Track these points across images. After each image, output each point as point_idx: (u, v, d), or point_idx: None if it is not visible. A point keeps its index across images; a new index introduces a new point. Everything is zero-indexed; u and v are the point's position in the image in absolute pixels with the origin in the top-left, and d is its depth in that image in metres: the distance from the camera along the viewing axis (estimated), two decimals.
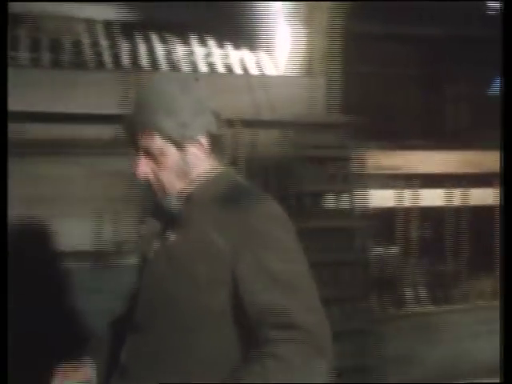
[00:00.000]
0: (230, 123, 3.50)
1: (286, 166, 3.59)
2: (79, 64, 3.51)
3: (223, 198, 1.66)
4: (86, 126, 3.24)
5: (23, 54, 3.45)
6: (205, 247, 1.62)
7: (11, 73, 3.21)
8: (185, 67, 3.74)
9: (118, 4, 3.83)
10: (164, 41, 3.85)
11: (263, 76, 3.82)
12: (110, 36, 3.76)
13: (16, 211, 3.32)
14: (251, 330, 1.56)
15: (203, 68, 3.78)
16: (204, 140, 1.67)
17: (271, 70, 3.91)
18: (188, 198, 1.67)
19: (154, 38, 3.85)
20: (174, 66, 3.71)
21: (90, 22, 3.79)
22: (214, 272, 1.60)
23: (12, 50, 3.42)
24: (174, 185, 1.68)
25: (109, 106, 3.27)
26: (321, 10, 3.77)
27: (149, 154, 1.65)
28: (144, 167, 1.66)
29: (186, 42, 3.89)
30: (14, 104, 3.14)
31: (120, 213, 3.36)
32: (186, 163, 1.67)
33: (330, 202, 3.74)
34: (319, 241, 3.59)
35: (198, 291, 1.61)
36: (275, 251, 1.59)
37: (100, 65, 3.51)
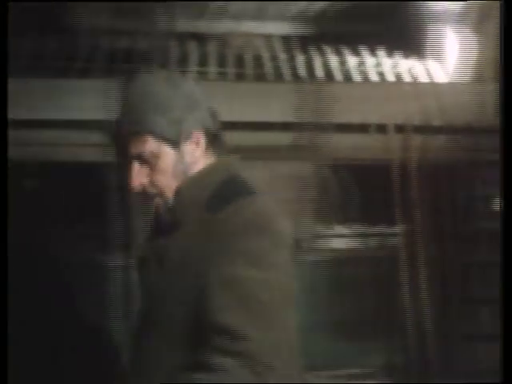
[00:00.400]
0: (401, 128, 3.65)
1: (456, 170, 3.66)
2: (260, 77, 3.80)
3: (210, 194, 1.54)
4: (267, 133, 3.53)
5: (212, 69, 3.81)
6: (187, 251, 1.51)
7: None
8: (356, 77, 3.93)
9: (294, 20, 4.09)
10: (337, 52, 4.05)
11: (432, 83, 3.91)
12: (288, 50, 4.02)
13: None
14: (201, 334, 1.44)
15: (373, 77, 3.94)
16: (200, 136, 1.56)
17: (440, 78, 3.98)
18: (177, 195, 1.55)
19: (328, 50, 4.07)
20: (346, 76, 3.91)
21: (269, 38, 4.08)
22: (189, 279, 1.48)
23: (201, 66, 3.79)
24: (172, 187, 1.56)
25: (287, 114, 3.55)
26: (491, 13, 3.79)
27: (142, 160, 1.53)
28: (139, 176, 1.54)
29: (357, 52, 4.08)
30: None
31: (297, 213, 3.60)
32: (183, 163, 1.55)
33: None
34: (488, 243, 3.64)
35: (172, 299, 1.51)
36: (245, 261, 1.43)
37: (279, 77, 3.77)
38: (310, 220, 3.55)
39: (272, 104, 3.54)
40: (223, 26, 4.02)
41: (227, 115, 3.46)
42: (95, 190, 3.35)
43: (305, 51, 4.01)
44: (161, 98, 1.54)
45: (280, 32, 4.10)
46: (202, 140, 1.57)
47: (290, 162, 3.51)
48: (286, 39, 4.07)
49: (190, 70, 3.74)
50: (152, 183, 1.55)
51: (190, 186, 1.55)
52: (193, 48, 3.91)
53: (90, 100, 3.31)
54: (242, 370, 1.38)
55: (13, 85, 3.38)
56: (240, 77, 3.75)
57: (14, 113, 3.35)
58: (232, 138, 3.48)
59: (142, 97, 1.55)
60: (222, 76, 3.76)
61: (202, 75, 3.70)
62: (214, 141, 1.62)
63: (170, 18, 3.67)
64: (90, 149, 3.34)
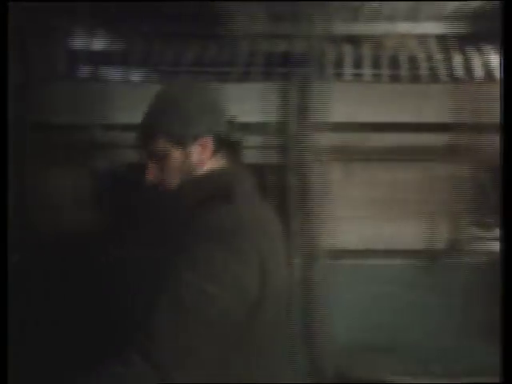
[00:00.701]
0: None
1: None
2: (416, 77, 3.77)
3: (201, 198, 1.61)
4: (423, 135, 3.51)
5: (366, 71, 3.83)
6: (169, 248, 1.56)
7: (338, 88, 3.64)
8: None
9: (449, 19, 4.03)
10: (497, 51, 3.95)
11: None
12: (444, 50, 3.96)
13: (343, 211, 3.71)
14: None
15: None
16: (209, 140, 1.64)
17: None
18: (175, 194, 1.65)
19: (487, 48, 3.97)
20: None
21: (424, 38, 4.04)
22: (159, 275, 1.54)
23: (356, 68, 3.82)
24: (176, 186, 1.66)
25: (444, 115, 3.51)
26: None
27: (155, 157, 1.65)
28: (152, 172, 1.66)
29: None
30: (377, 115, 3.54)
31: (451, 214, 3.55)
32: (189, 164, 1.64)
33: None
34: None
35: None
36: (193, 267, 1.48)
37: (435, 77, 3.73)
38: (467, 222, 3.49)
39: (428, 105, 3.52)
40: (377, 27, 4.02)
41: (382, 117, 3.53)
42: None
43: (462, 51, 3.94)
44: (174, 102, 1.65)
45: (435, 32, 4.05)
46: (210, 144, 1.65)
47: (446, 163, 3.47)
48: (441, 39, 4.01)
49: (345, 72, 3.78)
50: (162, 180, 1.66)
51: (188, 186, 1.64)
52: (348, 50, 3.95)
53: (249, 104, 3.43)
54: (147, 373, 1.42)
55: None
56: (395, 78, 3.75)
57: None
58: (387, 139, 3.53)
59: (159, 100, 1.68)
60: (377, 78, 3.77)
61: (357, 77, 3.74)
62: (225, 146, 1.68)
63: (326, 21, 3.73)
64: (249, 151, 3.46)
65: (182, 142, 1.64)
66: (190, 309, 1.46)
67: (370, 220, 3.55)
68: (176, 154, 1.65)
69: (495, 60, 3.89)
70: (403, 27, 4.04)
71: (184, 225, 1.58)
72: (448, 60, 3.87)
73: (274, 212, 1.73)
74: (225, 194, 1.59)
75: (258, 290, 1.52)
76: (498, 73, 3.80)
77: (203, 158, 1.66)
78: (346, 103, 3.47)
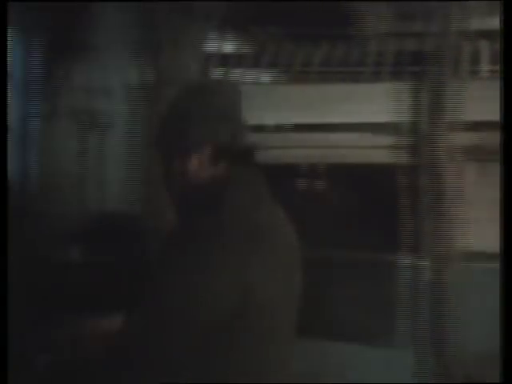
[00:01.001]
0: None
1: None
2: None
3: (194, 206, 1.58)
4: None
5: None
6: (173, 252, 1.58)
7: (473, 86, 3.50)
8: None
9: None
10: None
11: None
12: None
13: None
14: None
15: None
16: (208, 149, 1.59)
17: None
18: (173, 199, 1.67)
19: None
20: None
21: None
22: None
23: (493, 65, 3.67)
24: (177, 190, 1.66)
25: None
26: None
27: (163, 164, 1.66)
28: (163, 176, 1.67)
29: None
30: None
31: None
32: (187, 170, 1.61)
33: None
34: None
35: None
36: (177, 273, 1.50)
37: None
38: None
39: None
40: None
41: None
42: (385, 191, 3.43)
43: None
44: (180, 109, 1.64)
45: None
46: (208, 151, 1.60)
47: None
48: None
49: (481, 68, 3.66)
50: (169, 184, 1.67)
51: (186, 194, 1.63)
52: (484, 46, 3.81)
53: (380, 103, 3.39)
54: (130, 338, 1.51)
55: (306, 91, 3.62)
56: None
57: (306, 117, 3.59)
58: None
59: (171, 106, 1.67)
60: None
61: (494, 74, 3.61)
62: (229, 154, 1.62)
63: (460, 18, 3.62)
64: (380, 151, 3.43)
65: (181, 150, 1.64)
66: (168, 311, 1.50)
67: None
68: (176, 162, 1.65)
69: None
70: None
71: (178, 232, 1.62)
72: None
73: (283, 222, 1.68)
74: (213, 205, 1.57)
75: (235, 303, 1.51)
76: None
77: (202, 165, 1.63)
78: (482, 101, 3.35)
